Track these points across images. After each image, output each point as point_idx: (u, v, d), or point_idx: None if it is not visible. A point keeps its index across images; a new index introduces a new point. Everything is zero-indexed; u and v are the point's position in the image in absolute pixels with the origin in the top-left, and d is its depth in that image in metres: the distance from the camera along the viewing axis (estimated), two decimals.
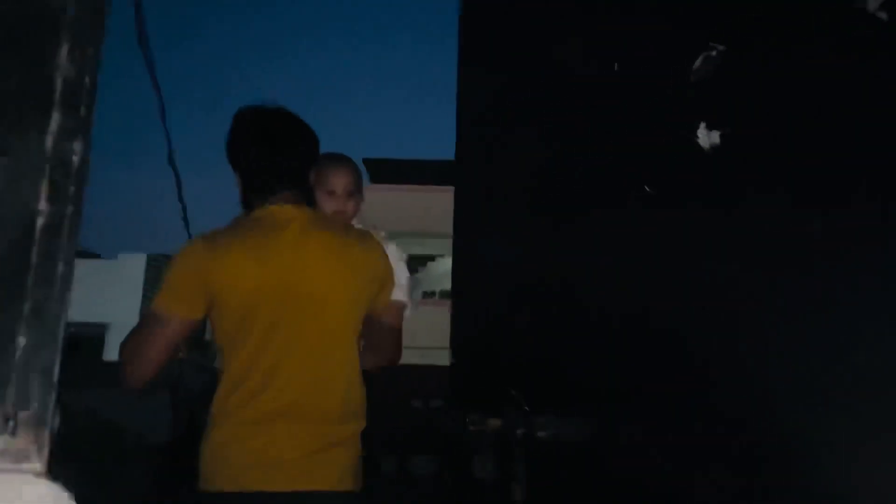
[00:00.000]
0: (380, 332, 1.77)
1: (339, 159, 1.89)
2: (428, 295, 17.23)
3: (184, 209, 4.83)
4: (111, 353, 16.42)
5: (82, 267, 16.89)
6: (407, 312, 1.86)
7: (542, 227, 2.21)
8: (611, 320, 1.92)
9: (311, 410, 1.57)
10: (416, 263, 17.94)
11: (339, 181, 1.82)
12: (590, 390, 1.92)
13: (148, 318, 1.56)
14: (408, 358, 2.24)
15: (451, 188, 2.66)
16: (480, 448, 3.37)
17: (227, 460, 1.52)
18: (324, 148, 1.82)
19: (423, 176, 15.16)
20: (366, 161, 15.20)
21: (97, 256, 20.23)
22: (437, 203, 13.67)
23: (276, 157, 1.68)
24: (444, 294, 16.18)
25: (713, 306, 1.69)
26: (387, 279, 1.76)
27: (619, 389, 1.83)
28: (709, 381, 1.66)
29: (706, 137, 1.76)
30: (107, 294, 17.50)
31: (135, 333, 1.55)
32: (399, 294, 1.82)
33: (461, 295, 2.57)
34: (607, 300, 1.94)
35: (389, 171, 16.00)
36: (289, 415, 1.54)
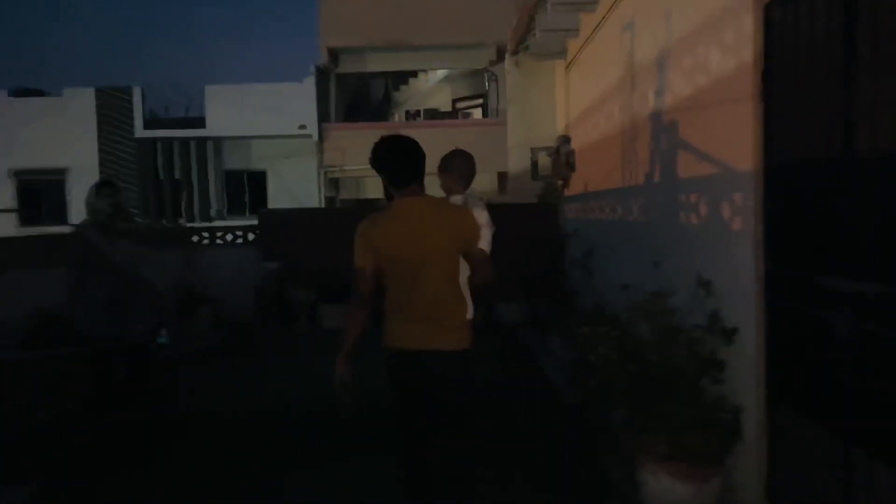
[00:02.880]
0: (475, 267, 3.02)
1: (457, 152, 3.69)
2: (412, 116, 18.82)
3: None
4: (75, 200, 16.51)
5: (28, 106, 17.17)
6: (485, 252, 3.18)
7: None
8: None
9: (432, 314, 2.88)
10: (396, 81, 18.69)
11: (457, 163, 3.69)
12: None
13: (357, 270, 2.88)
14: None
15: None
16: None
17: (392, 334, 2.94)
18: None
19: None
20: None
21: (40, 94, 18.19)
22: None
23: (406, 165, 2.88)
24: (428, 114, 18.77)
25: None
26: (470, 235, 2.96)
27: None
28: None
29: None
30: (60, 136, 16.97)
31: (355, 277, 2.89)
32: (483, 244, 3.17)
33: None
34: None
35: None
36: (420, 317, 2.88)
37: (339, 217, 10.24)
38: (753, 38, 3.45)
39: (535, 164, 8.85)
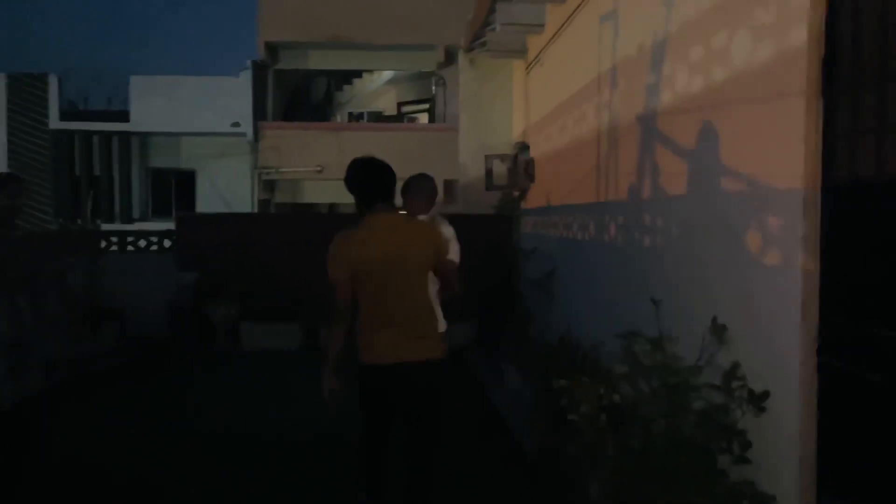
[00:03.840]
0: (444, 278, 3.16)
1: (421, 176, 3.74)
2: (355, 118, 18.06)
3: None
4: None
5: None
6: (454, 263, 3.47)
7: None
8: None
9: (407, 326, 2.94)
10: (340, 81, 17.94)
11: (422, 185, 3.74)
12: None
13: (332, 282, 2.89)
14: None
15: None
16: None
17: (367, 348, 2.97)
18: None
19: None
20: None
21: None
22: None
23: (377, 185, 2.97)
24: (372, 116, 17.96)
25: None
26: (442, 249, 3.08)
27: None
28: None
29: None
30: None
31: (332, 290, 2.90)
32: (453, 255, 3.52)
33: None
34: None
35: None
36: (385, 329, 2.93)
37: (268, 223, 9.04)
38: (810, 11, 2.56)
39: (489, 172, 7.91)
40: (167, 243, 8.71)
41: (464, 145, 8.92)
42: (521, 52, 7.68)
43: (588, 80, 5.39)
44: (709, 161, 3.36)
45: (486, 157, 7.95)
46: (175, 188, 17.33)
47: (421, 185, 3.78)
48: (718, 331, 3.10)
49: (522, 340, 6.84)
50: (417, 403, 3.04)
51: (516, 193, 7.70)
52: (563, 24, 6.15)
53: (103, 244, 8.64)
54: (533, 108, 7.52)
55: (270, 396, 6.12)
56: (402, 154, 15.10)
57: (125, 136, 16.41)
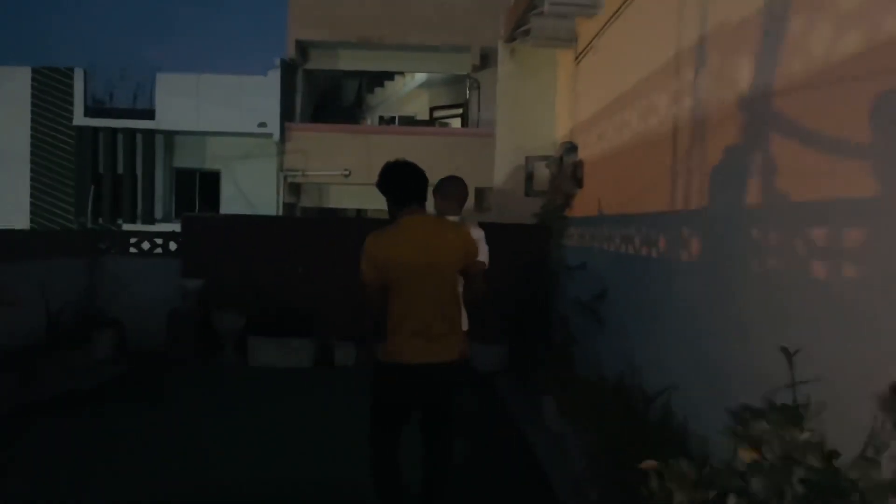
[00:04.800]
0: (471, 280, 3.11)
1: (452, 178, 3.71)
2: (386, 122, 16.98)
3: None
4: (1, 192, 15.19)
5: None
6: (485, 265, 3.36)
7: None
8: None
9: (436, 328, 2.89)
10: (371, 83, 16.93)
11: (452, 189, 3.71)
12: None
13: (364, 282, 2.90)
14: None
15: None
16: None
17: (394, 348, 2.89)
18: None
19: None
20: None
21: None
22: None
23: (410, 187, 2.97)
24: (404, 120, 16.92)
25: None
26: (472, 250, 3.04)
27: None
28: None
29: None
30: None
31: (364, 291, 2.92)
32: (482, 257, 3.35)
33: None
34: None
35: None
36: (416, 330, 2.87)
37: (282, 227, 8.06)
38: None
39: (529, 176, 6.85)
40: (173, 246, 7.79)
41: (501, 147, 7.87)
42: (570, 40, 6.62)
43: (661, 63, 4.32)
44: (878, 150, 2.26)
45: (527, 158, 6.90)
46: (199, 189, 16.58)
47: (451, 187, 3.74)
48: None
49: (564, 372, 5.78)
50: (436, 401, 3.02)
51: (560, 201, 6.63)
52: (625, 1, 5.08)
53: (104, 246, 7.74)
54: (583, 104, 6.45)
55: (280, 426, 5.14)
56: (433, 159, 14.20)
57: (150, 135, 15.71)
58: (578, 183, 6.21)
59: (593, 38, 5.98)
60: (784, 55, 2.83)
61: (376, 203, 3.04)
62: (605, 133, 5.62)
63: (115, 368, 6.76)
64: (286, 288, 7.40)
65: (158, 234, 7.94)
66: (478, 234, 3.64)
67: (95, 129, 15.71)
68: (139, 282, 7.56)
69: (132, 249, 7.80)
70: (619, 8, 5.24)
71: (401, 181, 3.00)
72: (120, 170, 15.95)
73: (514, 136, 7.60)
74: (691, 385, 3.61)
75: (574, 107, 6.72)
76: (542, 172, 6.76)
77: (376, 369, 2.98)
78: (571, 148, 6.37)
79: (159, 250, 7.80)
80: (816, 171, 2.59)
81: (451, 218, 3.68)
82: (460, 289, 3.16)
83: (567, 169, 6.35)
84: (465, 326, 3.36)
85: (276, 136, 15.33)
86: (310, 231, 7.78)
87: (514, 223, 7.53)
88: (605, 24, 5.63)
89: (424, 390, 2.96)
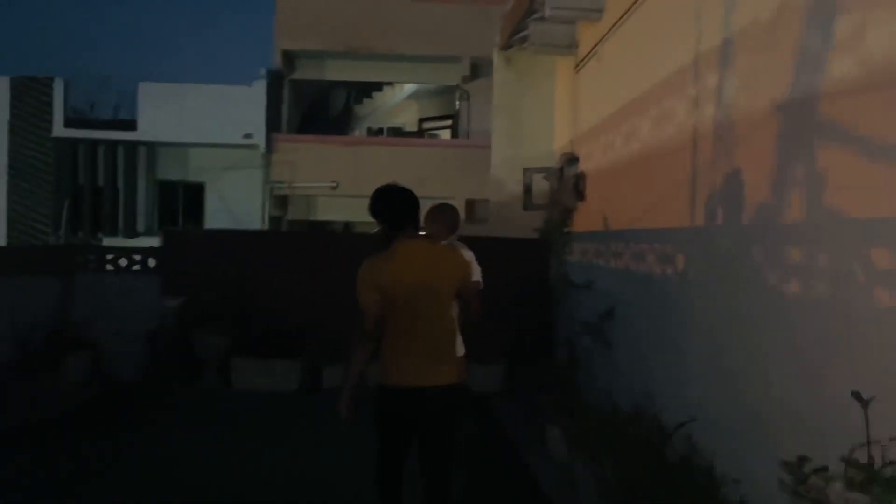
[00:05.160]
0: (466, 301, 3.15)
1: (444, 206, 3.70)
2: (374, 133, 16.69)
3: None
4: None
5: None
6: (479, 284, 3.62)
7: None
8: None
9: (433, 351, 2.88)
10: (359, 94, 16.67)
11: (445, 216, 3.70)
12: None
13: (362, 307, 2.85)
14: None
15: None
16: None
17: (391, 372, 2.89)
18: None
19: None
20: None
21: None
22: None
23: (403, 211, 2.93)
24: (392, 132, 16.63)
25: None
26: (466, 272, 3.08)
27: None
28: None
29: None
30: None
31: (363, 314, 2.85)
32: (475, 276, 3.55)
33: None
34: None
35: None
36: (416, 353, 2.86)
37: (268, 242, 7.64)
38: None
39: (528, 189, 6.51)
40: (153, 262, 7.36)
41: (497, 158, 7.53)
42: (570, 47, 6.30)
43: (677, 66, 3.99)
44: None
45: (525, 171, 6.55)
46: (183, 201, 16.10)
47: (443, 215, 3.76)
48: None
49: (568, 397, 5.41)
50: (433, 424, 2.95)
51: (559, 214, 6.29)
52: (633, 3, 4.76)
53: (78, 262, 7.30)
54: (584, 114, 6.13)
55: (264, 457, 4.73)
56: (423, 171, 13.87)
57: (132, 146, 15.22)
58: (580, 196, 5.88)
59: (596, 45, 5.66)
60: (832, 53, 2.50)
61: (365, 216, 2.93)
62: (611, 144, 5.29)
63: (87, 393, 6.31)
64: (272, 306, 6.99)
65: (137, 250, 7.51)
66: (469, 255, 3.63)
67: (75, 141, 15.21)
68: (116, 300, 7.11)
69: (109, 266, 7.36)
70: (627, 12, 4.92)
71: (393, 207, 2.97)
72: (101, 182, 15.45)
73: (510, 146, 7.27)
74: (719, 418, 3.25)
75: (574, 117, 6.39)
76: (541, 185, 6.43)
77: (376, 395, 2.93)
78: (572, 159, 6.04)
79: (138, 267, 7.37)
80: (880, 183, 2.25)
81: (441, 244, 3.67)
82: (454, 311, 3.16)
83: (568, 181, 6.01)
84: (461, 351, 3.39)
85: (262, 147, 14.92)
86: (297, 246, 7.38)
87: (513, 238, 7.18)
88: (610, 29, 5.31)
89: (419, 414, 2.91)
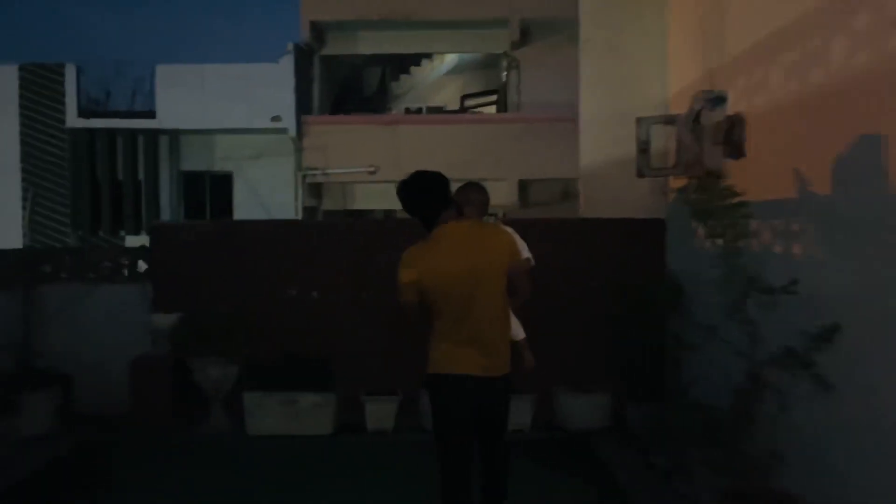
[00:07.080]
0: (517, 281, 2.86)
1: (471, 185, 3.16)
2: (412, 114, 14.49)
3: None
4: None
5: None
6: (531, 261, 3.23)
7: None
8: None
9: (481, 339, 2.70)
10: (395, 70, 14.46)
11: (473, 197, 3.09)
12: None
13: (403, 304, 2.77)
14: None
15: None
16: None
17: (441, 359, 2.74)
18: None
19: None
20: None
21: None
22: None
23: (434, 198, 2.76)
24: (432, 112, 14.47)
25: None
26: (514, 249, 2.86)
27: None
28: None
29: None
30: None
31: (403, 305, 2.78)
32: (524, 253, 3.21)
33: None
34: None
35: None
36: (469, 342, 2.69)
37: (288, 236, 5.63)
38: None
39: (644, 147, 4.45)
40: (142, 266, 5.54)
41: (586, 111, 5.45)
42: None
43: None
44: None
45: (639, 121, 4.49)
46: (209, 193, 14.44)
47: (472, 194, 3.16)
48: None
49: (729, 449, 3.42)
50: (495, 418, 2.82)
51: (693, 179, 4.21)
52: None
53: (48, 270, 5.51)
54: (739, 27, 4.04)
55: None
56: (469, 151, 11.93)
57: (152, 135, 13.58)
58: (735, 150, 3.82)
59: None
60: None
61: None
62: (805, 61, 3.21)
63: (52, 447, 4.54)
64: (294, 321, 5.13)
65: (122, 251, 5.70)
66: (514, 233, 3.17)
67: (91, 132, 13.65)
68: (95, 318, 5.33)
69: (91, 274, 5.57)
70: None
71: (423, 195, 2.78)
72: (120, 175, 13.91)
73: (607, 93, 5.20)
74: None
75: (716, 37, 4.30)
76: (662, 139, 4.36)
77: (429, 387, 2.78)
78: (718, 99, 3.96)
79: (124, 271, 5.56)
80: None
81: None
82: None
83: (710, 131, 3.95)
84: (521, 334, 3.35)
85: (292, 130, 13.11)
86: (324, 239, 5.43)
87: (607, 218, 5.16)
88: None
89: (476, 405, 2.74)
